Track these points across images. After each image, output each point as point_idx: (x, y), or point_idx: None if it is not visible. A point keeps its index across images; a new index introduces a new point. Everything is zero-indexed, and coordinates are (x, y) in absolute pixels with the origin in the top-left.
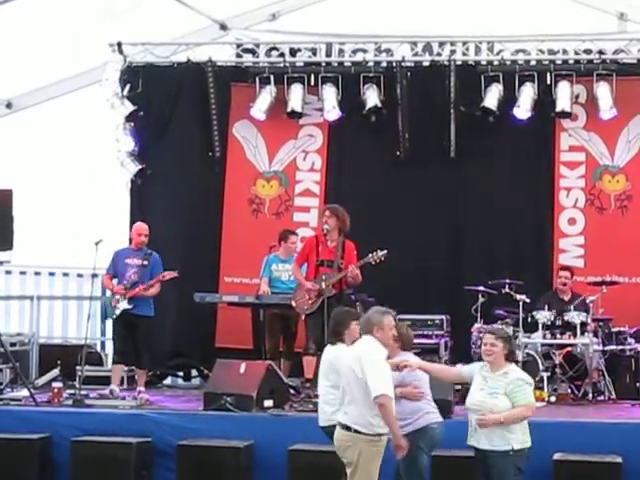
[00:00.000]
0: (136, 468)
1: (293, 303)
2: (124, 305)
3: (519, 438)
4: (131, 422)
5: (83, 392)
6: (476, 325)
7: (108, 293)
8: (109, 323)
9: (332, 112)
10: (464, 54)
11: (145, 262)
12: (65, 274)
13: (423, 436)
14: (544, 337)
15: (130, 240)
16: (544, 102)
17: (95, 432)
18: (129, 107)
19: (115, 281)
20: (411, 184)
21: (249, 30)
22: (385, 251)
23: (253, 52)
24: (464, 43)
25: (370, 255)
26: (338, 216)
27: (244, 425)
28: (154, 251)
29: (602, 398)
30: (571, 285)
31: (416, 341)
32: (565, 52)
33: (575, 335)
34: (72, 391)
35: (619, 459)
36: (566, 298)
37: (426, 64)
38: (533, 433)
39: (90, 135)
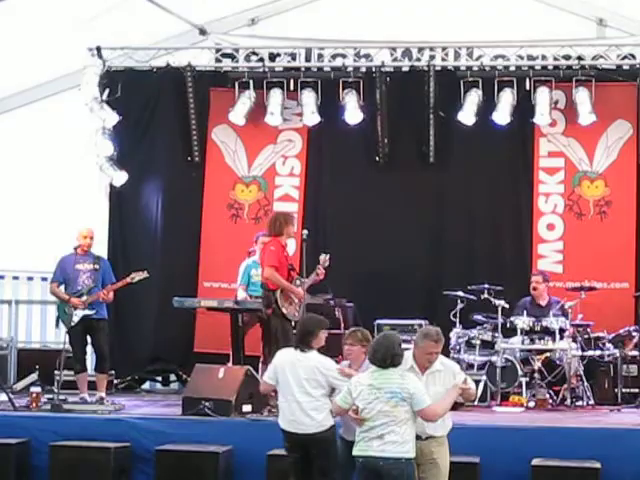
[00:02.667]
0: (114, 473)
1: (284, 310)
2: (84, 311)
3: None
4: (109, 427)
5: (61, 397)
6: (455, 330)
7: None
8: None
9: (311, 117)
10: (443, 59)
11: (96, 266)
12: (44, 279)
13: None
14: (523, 342)
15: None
16: (523, 108)
17: (73, 437)
18: (108, 112)
19: (62, 288)
20: (390, 189)
21: (228, 35)
22: (328, 255)
23: (232, 57)
24: (443, 48)
25: (323, 258)
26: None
27: (223, 430)
28: (102, 257)
29: (581, 403)
30: (544, 290)
31: None
32: (544, 58)
33: (554, 340)
34: (50, 396)
35: (598, 464)
36: (543, 303)
37: (405, 69)
38: (511, 438)
39: (69, 140)
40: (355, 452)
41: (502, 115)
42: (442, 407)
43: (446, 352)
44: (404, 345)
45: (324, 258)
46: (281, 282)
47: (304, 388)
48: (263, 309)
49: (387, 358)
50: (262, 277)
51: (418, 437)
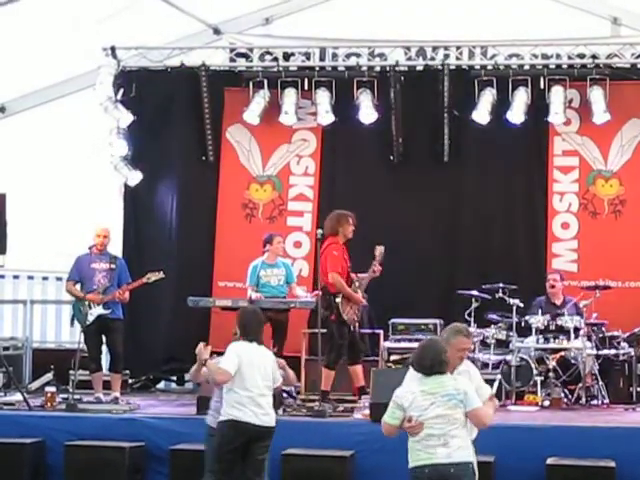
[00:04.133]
0: (129, 472)
1: (345, 316)
2: (99, 310)
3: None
4: (124, 426)
5: (76, 396)
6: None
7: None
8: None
9: (326, 116)
10: (457, 58)
11: (112, 266)
12: (58, 278)
13: None
14: (537, 341)
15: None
16: (537, 107)
17: (88, 436)
18: (122, 111)
19: (78, 286)
20: (405, 188)
21: (243, 34)
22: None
23: (246, 56)
24: (457, 47)
25: (380, 252)
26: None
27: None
28: (118, 257)
29: (595, 402)
30: (560, 288)
31: (410, 345)
32: (559, 57)
33: (569, 339)
34: (65, 395)
35: (612, 463)
36: (558, 302)
37: (420, 68)
38: (526, 437)
39: (84, 139)
40: (417, 463)
41: (516, 114)
42: (492, 411)
43: None
44: (414, 345)
45: (380, 250)
46: (344, 288)
47: (267, 382)
48: (322, 312)
49: (435, 365)
50: (325, 281)
51: None
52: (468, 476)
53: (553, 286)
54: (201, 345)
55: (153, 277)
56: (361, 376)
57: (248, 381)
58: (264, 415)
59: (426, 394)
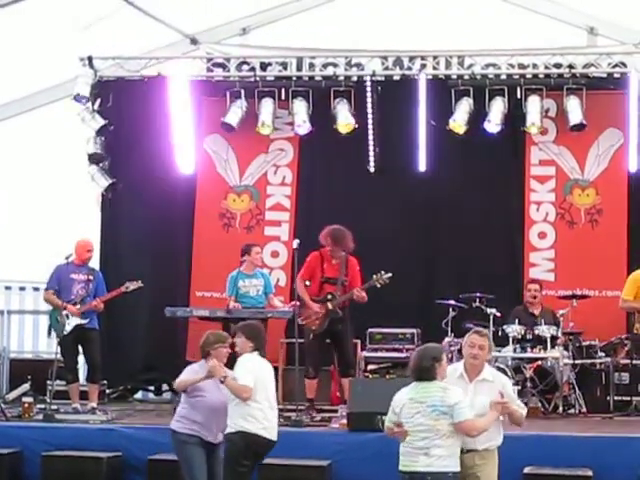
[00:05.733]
0: None
1: (300, 321)
2: (77, 320)
3: None
4: (101, 437)
5: (54, 407)
6: (447, 339)
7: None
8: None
9: (303, 126)
10: (434, 68)
11: (90, 277)
12: (35, 289)
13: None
14: (514, 351)
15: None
16: (514, 116)
17: (65, 447)
18: (100, 121)
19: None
20: (382, 198)
21: (220, 44)
22: (390, 274)
23: (224, 66)
24: (434, 57)
25: (375, 277)
26: (331, 237)
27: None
28: (96, 269)
29: (573, 412)
30: (541, 298)
31: (387, 355)
32: (535, 66)
33: (545, 349)
34: (43, 406)
35: (589, 472)
36: (536, 312)
37: (397, 78)
38: (504, 446)
39: (60, 149)
40: (400, 468)
41: (493, 124)
42: (483, 423)
43: None
44: (395, 354)
45: (377, 277)
46: (299, 293)
47: (274, 396)
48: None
49: (417, 371)
50: None
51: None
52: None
53: (535, 297)
54: (216, 362)
55: (132, 286)
56: (346, 390)
57: (260, 394)
58: (272, 429)
59: (414, 402)
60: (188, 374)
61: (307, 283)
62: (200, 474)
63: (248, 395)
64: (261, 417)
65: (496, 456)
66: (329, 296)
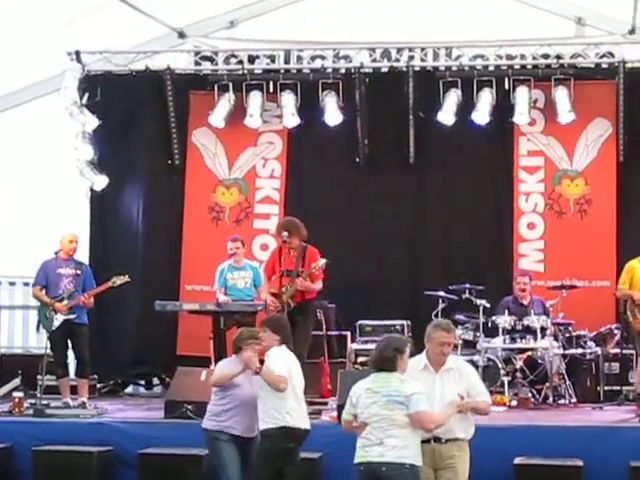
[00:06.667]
0: (97, 477)
1: (266, 311)
2: (66, 315)
3: None
4: (92, 431)
5: (44, 402)
6: None
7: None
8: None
9: (291, 119)
10: (422, 60)
11: (78, 271)
12: (25, 284)
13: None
14: (504, 342)
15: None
16: (502, 107)
17: (56, 441)
18: (88, 116)
19: (44, 291)
20: (371, 190)
21: (207, 38)
22: (325, 260)
23: (211, 60)
24: (422, 49)
25: (313, 265)
26: (284, 228)
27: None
28: (84, 263)
29: (563, 402)
30: (530, 289)
31: None
32: (523, 57)
33: (535, 339)
34: (33, 401)
35: (580, 462)
36: (525, 302)
37: (384, 70)
38: (494, 437)
39: (49, 144)
40: (356, 459)
41: (481, 115)
42: (440, 417)
43: None
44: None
45: (315, 264)
46: (261, 289)
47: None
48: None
49: (378, 361)
50: None
51: (438, 440)
52: (403, 477)
53: (524, 289)
54: (251, 353)
55: (119, 281)
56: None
57: (296, 387)
58: (307, 418)
59: (370, 392)
60: (223, 369)
61: (283, 289)
62: (232, 470)
63: (285, 385)
64: (299, 409)
65: (468, 448)
66: (283, 289)
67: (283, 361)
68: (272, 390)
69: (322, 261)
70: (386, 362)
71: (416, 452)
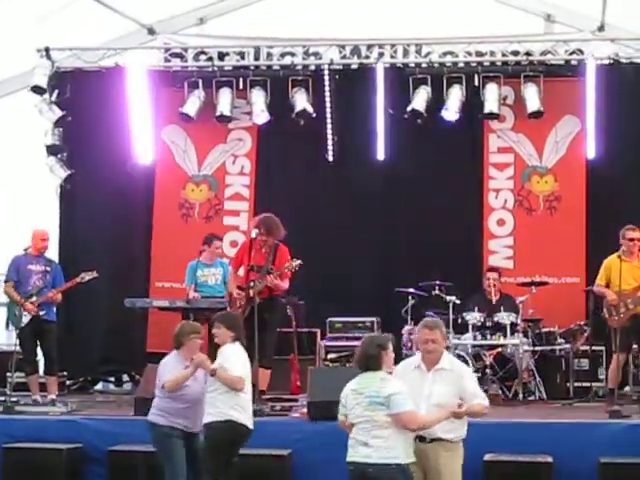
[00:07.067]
0: (66, 474)
1: (229, 310)
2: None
3: None
4: (62, 428)
5: (13, 399)
6: (406, 327)
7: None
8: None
9: (261, 116)
10: (392, 57)
11: (48, 268)
12: None
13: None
14: (474, 338)
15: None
16: (472, 104)
17: (25, 439)
18: (57, 112)
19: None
20: (341, 187)
21: (177, 34)
22: (299, 261)
23: (181, 56)
24: (392, 46)
25: (286, 265)
26: (265, 226)
27: None
28: (54, 260)
29: (532, 398)
30: (499, 286)
31: (347, 344)
32: (493, 54)
33: (505, 336)
34: (2, 398)
35: (550, 459)
36: (495, 299)
37: (354, 67)
38: None
39: (18, 141)
40: (347, 458)
41: (451, 111)
42: (426, 419)
43: (398, 349)
44: (355, 343)
45: (288, 265)
46: (229, 283)
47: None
48: None
49: (361, 360)
50: None
51: (422, 439)
52: (389, 477)
53: (494, 285)
54: (203, 356)
55: (87, 277)
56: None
57: (247, 384)
58: (252, 418)
59: (355, 393)
60: (172, 371)
61: (251, 284)
62: (181, 468)
63: (242, 386)
64: (247, 407)
65: (461, 450)
66: (251, 283)
67: (240, 360)
68: (224, 386)
69: (297, 262)
70: (371, 360)
71: (403, 451)
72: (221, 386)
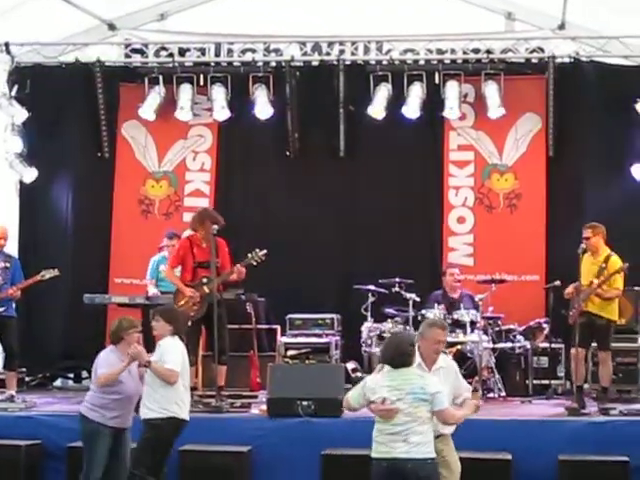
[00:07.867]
0: (25, 471)
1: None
2: None
3: None
4: (20, 425)
5: None
6: (366, 324)
7: None
8: None
9: (221, 112)
10: (353, 54)
11: (7, 264)
12: None
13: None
14: None
15: None
16: (433, 101)
17: None
18: (17, 108)
19: None
20: (301, 184)
21: (138, 30)
22: (265, 250)
23: (142, 52)
24: (353, 43)
25: (250, 255)
26: (194, 221)
27: (133, 425)
28: (14, 256)
29: (492, 395)
30: (460, 283)
31: (307, 340)
32: (453, 52)
33: (465, 333)
34: None
35: (509, 456)
36: (455, 296)
37: (315, 64)
38: None
39: None
40: (377, 455)
41: (412, 109)
42: (460, 415)
43: (357, 346)
44: (315, 340)
45: (254, 255)
46: (172, 280)
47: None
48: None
49: (396, 357)
50: None
51: None
52: (425, 472)
53: (458, 281)
54: (139, 347)
55: (48, 274)
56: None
57: (185, 378)
58: (188, 411)
59: (393, 389)
60: (108, 366)
61: (204, 280)
62: (98, 465)
63: (176, 379)
64: (187, 401)
65: (451, 441)
66: (204, 280)
67: (178, 353)
68: (162, 381)
69: (262, 252)
70: (406, 357)
71: (433, 446)
72: (162, 382)
